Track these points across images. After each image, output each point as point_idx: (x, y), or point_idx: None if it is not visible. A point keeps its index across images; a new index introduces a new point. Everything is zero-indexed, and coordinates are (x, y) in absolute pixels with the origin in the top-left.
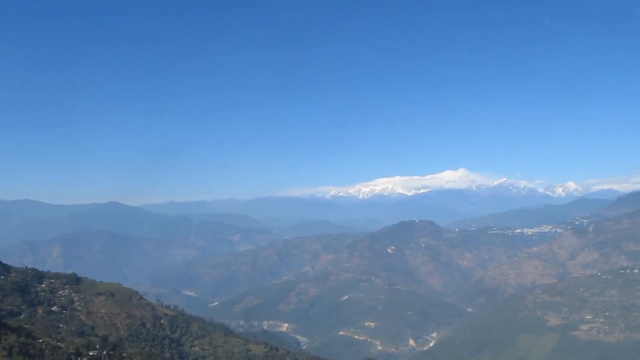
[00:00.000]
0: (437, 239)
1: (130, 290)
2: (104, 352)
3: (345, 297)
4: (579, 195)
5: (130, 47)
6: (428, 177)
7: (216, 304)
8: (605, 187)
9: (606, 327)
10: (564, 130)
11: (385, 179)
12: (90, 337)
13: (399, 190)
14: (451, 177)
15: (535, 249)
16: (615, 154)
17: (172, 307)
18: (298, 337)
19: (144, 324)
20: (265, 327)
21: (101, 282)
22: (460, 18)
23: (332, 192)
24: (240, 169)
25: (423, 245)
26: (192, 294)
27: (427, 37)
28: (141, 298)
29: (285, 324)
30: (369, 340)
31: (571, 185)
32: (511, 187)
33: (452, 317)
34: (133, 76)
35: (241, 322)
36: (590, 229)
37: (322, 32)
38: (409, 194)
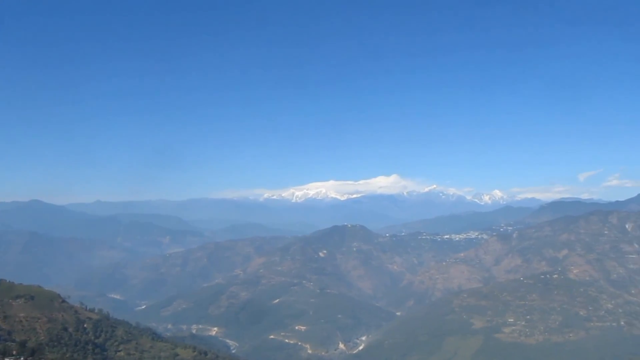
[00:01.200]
0: (369, 244)
1: (52, 293)
2: (22, 359)
3: (277, 300)
4: (505, 203)
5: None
6: (361, 182)
7: (143, 307)
8: (529, 195)
9: (527, 330)
10: (490, 140)
11: (319, 183)
12: (7, 343)
13: (333, 194)
14: (384, 183)
15: (462, 254)
16: (539, 165)
17: (96, 311)
18: (228, 341)
19: (65, 329)
20: (194, 331)
21: (20, 284)
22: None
23: (266, 195)
24: (172, 170)
25: (355, 249)
26: (118, 297)
27: (366, 45)
28: (63, 301)
29: (215, 328)
30: (299, 343)
31: (497, 193)
32: (441, 194)
33: (381, 320)
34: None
35: (169, 326)
36: (514, 235)
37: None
38: (342, 198)
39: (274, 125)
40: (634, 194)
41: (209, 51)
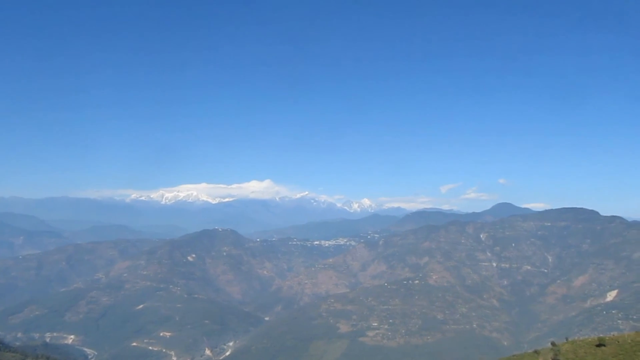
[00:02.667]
0: (239, 248)
1: None
2: None
3: (141, 306)
4: (373, 211)
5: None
6: (234, 186)
7: None
8: (396, 205)
9: (389, 333)
10: (361, 150)
11: (190, 186)
12: None
13: (204, 197)
14: (257, 188)
15: (331, 260)
16: (405, 176)
17: None
18: (86, 349)
19: None
20: (47, 340)
21: None
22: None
23: (133, 196)
24: (30, 164)
25: (225, 254)
26: None
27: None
28: None
29: (72, 336)
30: (164, 350)
31: (366, 201)
32: (312, 201)
33: (249, 325)
34: None
35: (19, 335)
36: (381, 242)
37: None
38: (214, 202)
39: (145, 125)
40: (489, 207)
41: None
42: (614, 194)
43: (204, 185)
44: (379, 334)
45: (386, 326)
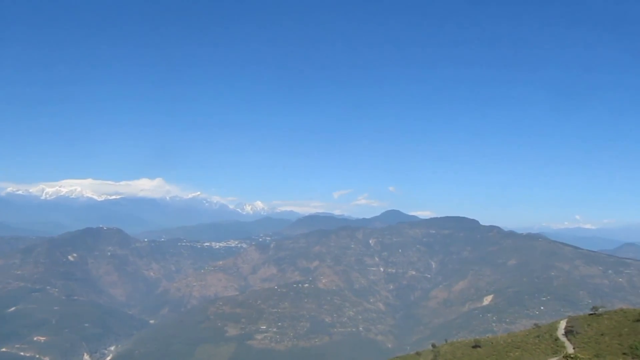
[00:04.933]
0: (125, 248)
1: None
2: None
3: (13, 308)
4: (265, 214)
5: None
6: (122, 183)
7: None
8: (288, 208)
9: (278, 336)
10: (254, 152)
11: (74, 181)
12: None
13: (89, 194)
14: (147, 186)
15: (221, 263)
16: (300, 181)
17: None
18: None
19: None
20: None
21: None
22: None
23: (9, 189)
24: None
25: (109, 254)
26: None
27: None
28: None
29: None
30: (37, 356)
31: (259, 204)
32: (204, 201)
33: (133, 329)
34: None
35: None
36: (272, 245)
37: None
38: (99, 198)
39: (23, 109)
40: (379, 213)
41: None
42: (493, 204)
43: (89, 180)
44: (267, 337)
45: (275, 329)
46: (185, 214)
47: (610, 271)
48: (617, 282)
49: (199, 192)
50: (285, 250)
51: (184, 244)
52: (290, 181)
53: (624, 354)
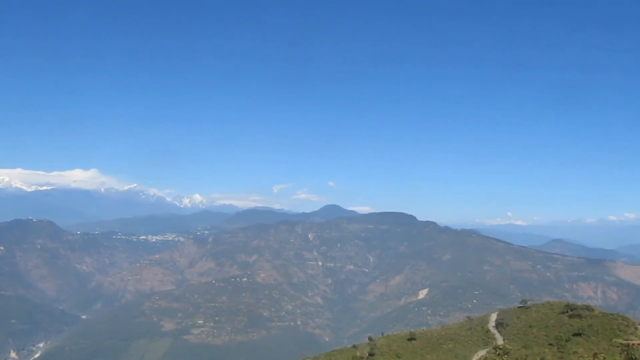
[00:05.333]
0: (56, 241)
1: None
2: None
3: None
4: (204, 207)
5: None
6: (54, 173)
7: None
8: (228, 202)
9: (215, 331)
10: (193, 143)
11: (2, 170)
12: None
13: (18, 184)
14: (80, 177)
15: (157, 256)
16: (239, 174)
17: None
18: None
19: None
20: None
21: None
22: None
23: None
24: None
25: (39, 247)
26: None
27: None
28: None
29: None
30: None
31: (197, 197)
32: (141, 194)
33: (64, 324)
34: None
35: None
36: (210, 239)
37: None
38: (29, 189)
39: None
40: (318, 208)
41: None
42: (430, 200)
43: (18, 170)
44: (204, 331)
45: (212, 324)
46: (120, 207)
47: (539, 266)
48: (545, 276)
49: (135, 185)
50: (223, 244)
51: (119, 237)
52: (230, 175)
53: (550, 344)
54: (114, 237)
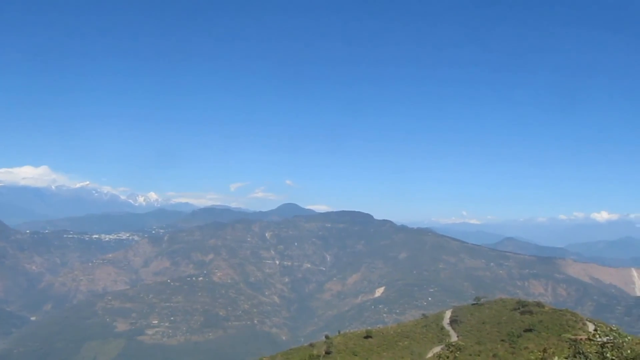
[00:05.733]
0: (3, 240)
1: None
2: None
3: None
4: (159, 205)
5: None
6: (2, 170)
7: None
8: (184, 200)
9: (170, 331)
10: (148, 140)
11: None
12: None
13: None
14: (30, 174)
15: (110, 255)
16: (196, 172)
17: None
18: None
19: None
20: None
21: None
22: None
23: None
24: None
25: None
26: None
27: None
28: None
29: None
30: None
31: (153, 195)
32: (94, 192)
33: (12, 326)
34: None
35: None
36: (166, 238)
37: None
38: None
39: None
40: (275, 206)
41: None
42: (387, 199)
43: None
44: (159, 332)
45: (167, 324)
46: (72, 205)
47: (492, 264)
48: (498, 273)
49: (87, 182)
50: (179, 243)
51: (70, 236)
52: (186, 172)
53: (503, 340)
54: (65, 236)
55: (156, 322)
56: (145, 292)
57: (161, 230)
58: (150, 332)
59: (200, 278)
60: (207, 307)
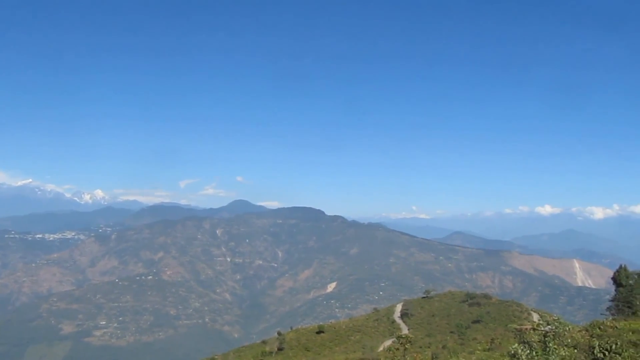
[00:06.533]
0: None
1: None
2: None
3: None
4: (106, 203)
5: None
6: None
7: None
8: (132, 198)
9: (119, 332)
10: (92, 135)
11: None
12: None
13: None
14: None
15: (55, 256)
16: (143, 168)
17: None
18: None
19: None
20: None
21: None
22: None
23: None
24: None
25: None
26: None
27: None
28: None
29: None
30: None
31: (99, 193)
32: (37, 190)
33: None
34: None
35: None
36: (113, 237)
37: None
38: None
39: None
40: (226, 203)
41: None
42: (338, 195)
43: None
44: (107, 333)
45: (115, 324)
46: (14, 203)
47: (441, 257)
48: (447, 267)
49: (30, 180)
50: (127, 241)
51: (12, 235)
52: (135, 169)
53: (452, 332)
54: (6, 236)
55: (104, 323)
56: (93, 293)
57: (108, 229)
58: (97, 333)
59: (150, 277)
60: (157, 306)
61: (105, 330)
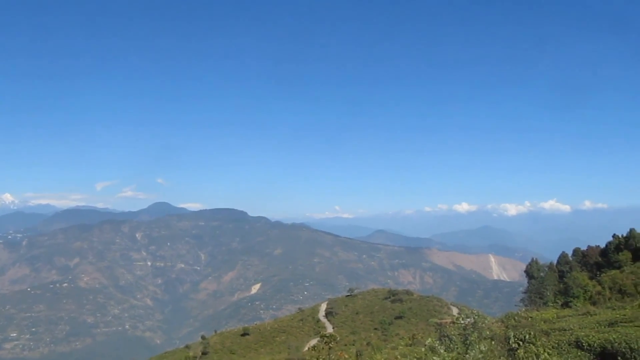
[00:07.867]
0: None
1: None
2: None
3: None
4: (16, 208)
5: None
6: None
7: None
8: (44, 202)
9: (32, 343)
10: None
11: None
12: None
13: None
14: None
15: None
16: (55, 170)
17: None
18: None
19: None
20: None
21: None
22: None
23: None
24: None
25: None
26: None
27: None
28: None
29: None
30: None
31: (8, 197)
32: None
33: None
34: None
35: None
36: (24, 243)
37: None
38: None
39: None
40: (146, 206)
41: None
42: (262, 195)
43: None
44: (18, 345)
45: (28, 336)
46: None
47: (364, 256)
48: (370, 265)
49: None
50: (40, 247)
51: None
52: (47, 171)
53: (375, 329)
54: None
55: (15, 334)
56: (2, 303)
57: (18, 235)
58: (8, 346)
59: (65, 284)
60: (74, 314)
61: (16, 342)
